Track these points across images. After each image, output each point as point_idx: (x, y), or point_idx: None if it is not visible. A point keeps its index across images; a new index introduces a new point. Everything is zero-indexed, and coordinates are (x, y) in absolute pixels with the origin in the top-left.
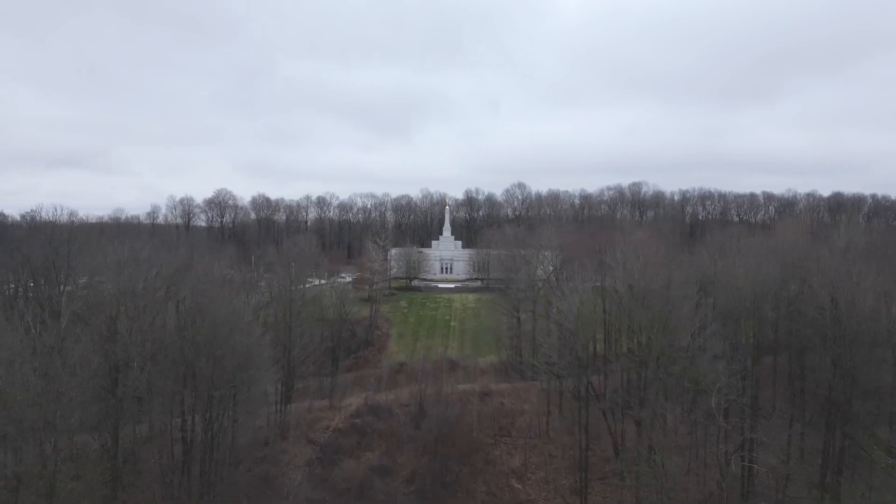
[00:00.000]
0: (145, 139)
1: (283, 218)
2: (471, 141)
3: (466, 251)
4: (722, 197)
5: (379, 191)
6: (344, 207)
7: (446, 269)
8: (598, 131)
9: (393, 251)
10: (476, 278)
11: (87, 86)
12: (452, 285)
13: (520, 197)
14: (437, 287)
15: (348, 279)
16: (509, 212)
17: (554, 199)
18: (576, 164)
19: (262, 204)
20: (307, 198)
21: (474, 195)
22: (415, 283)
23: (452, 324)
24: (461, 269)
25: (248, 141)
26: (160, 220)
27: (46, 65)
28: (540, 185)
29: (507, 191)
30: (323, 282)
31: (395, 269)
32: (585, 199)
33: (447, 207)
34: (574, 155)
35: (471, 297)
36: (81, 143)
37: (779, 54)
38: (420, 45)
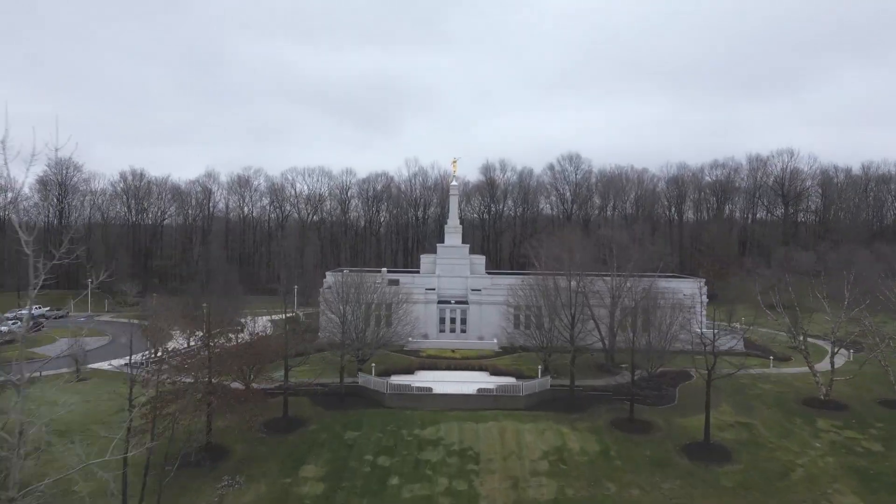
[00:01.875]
0: (113, 137)
1: (170, 213)
2: (465, 139)
3: (504, 281)
4: None
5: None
6: (278, 194)
7: (452, 323)
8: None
9: (329, 279)
10: (531, 350)
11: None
12: (472, 387)
13: (574, 177)
14: (426, 391)
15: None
16: (553, 202)
17: (625, 181)
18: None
19: (134, 188)
20: (210, 176)
21: (497, 175)
22: (369, 381)
23: None
24: (489, 328)
25: (222, 137)
26: None
27: None
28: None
29: (551, 167)
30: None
31: (325, 332)
32: (677, 182)
33: (453, 183)
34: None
35: (529, 430)
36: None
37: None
38: (402, 28)
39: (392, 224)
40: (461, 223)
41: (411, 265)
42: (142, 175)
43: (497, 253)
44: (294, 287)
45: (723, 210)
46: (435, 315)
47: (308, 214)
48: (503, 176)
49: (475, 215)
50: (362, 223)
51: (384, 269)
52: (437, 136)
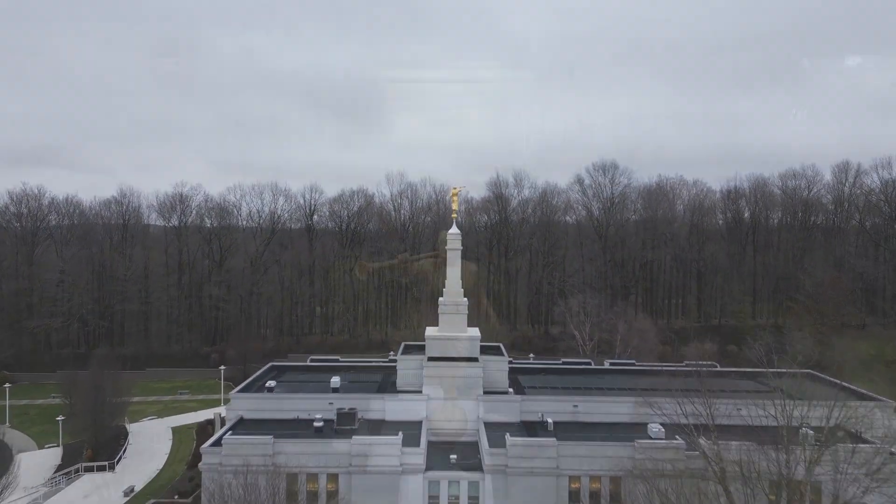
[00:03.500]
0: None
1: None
2: (460, 138)
3: (542, 405)
4: None
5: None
6: (225, 215)
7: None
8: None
9: (238, 409)
10: None
11: None
12: None
13: (609, 191)
14: None
15: None
16: (580, 217)
17: (672, 195)
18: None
19: (27, 215)
20: (125, 195)
21: (510, 191)
22: None
23: None
24: None
25: (202, 132)
26: None
27: None
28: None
29: (579, 181)
30: None
31: None
32: (735, 196)
33: (452, 232)
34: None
35: None
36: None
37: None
38: (386, 15)
39: (374, 259)
40: (462, 283)
41: (398, 318)
42: (38, 197)
43: (511, 301)
44: (220, 369)
45: (812, 236)
46: (421, 494)
47: (258, 249)
48: (518, 193)
49: (480, 241)
50: (331, 258)
51: (335, 380)
52: (429, 134)
